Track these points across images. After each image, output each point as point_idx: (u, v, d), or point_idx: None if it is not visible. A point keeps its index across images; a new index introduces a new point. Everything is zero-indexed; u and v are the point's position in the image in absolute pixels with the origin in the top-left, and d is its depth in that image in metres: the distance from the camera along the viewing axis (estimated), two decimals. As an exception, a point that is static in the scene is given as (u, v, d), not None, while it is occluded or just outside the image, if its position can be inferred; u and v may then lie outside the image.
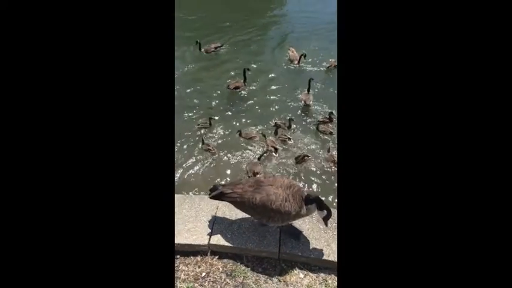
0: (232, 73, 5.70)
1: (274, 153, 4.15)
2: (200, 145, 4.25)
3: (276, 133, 4.41)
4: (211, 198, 2.53)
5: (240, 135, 4.28)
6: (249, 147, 4.30)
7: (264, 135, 4.31)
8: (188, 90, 5.20)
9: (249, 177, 3.78)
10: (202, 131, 4.45)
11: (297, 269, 2.49)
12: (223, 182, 3.74)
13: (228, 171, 3.97)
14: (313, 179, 3.84)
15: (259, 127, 4.58)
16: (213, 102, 5.01)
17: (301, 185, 3.54)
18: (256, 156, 4.11)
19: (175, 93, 5.06)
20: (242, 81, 5.19)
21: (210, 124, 4.49)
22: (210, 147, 4.17)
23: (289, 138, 4.34)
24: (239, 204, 2.45)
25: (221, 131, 4.50)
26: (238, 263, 2.55)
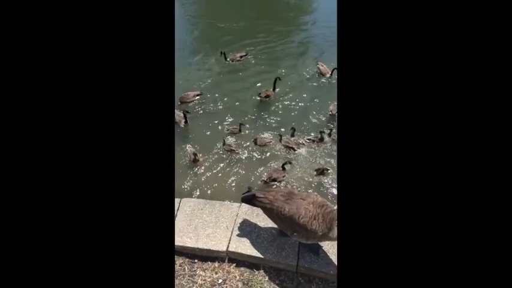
0: (256, 78, 5.74)
1: (294, 151, 4.25)
2: (222, 145, 4.30)
3: (292, 135, 4.47)
4: (242, 199, 2.54)
5: (256, 143, 4.30)
6: (274, 155, 4.31)
7: (281, 136, 4.36)
8: (216, 97, 5.26)
9: (265, 181, 3.84)
10: (230, 137, 4.51)
11: (314, 284, 2.46)
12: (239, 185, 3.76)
13: (252, 179, 3.98)
14: (328, 195, 3.78)
15: (281, 129, 4.60)
16: (242, 110, 5.04)
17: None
18: (278, 163, 4.12)
19: (204, 101, 5.13)
20: (272, 89, 5.22)
21: (240, 130, 4.52)
22: (233, 147, 4.22)
23: (303, 144, 4.37)
24: (268, 210, 2.44)
25: (248, 138, 4.53)
26: (255, 273, 2.54)
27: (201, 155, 4.18)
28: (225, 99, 5.25)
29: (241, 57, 6.07)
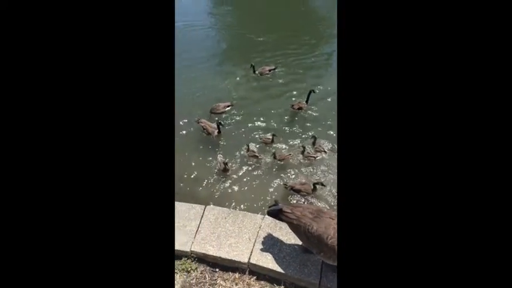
0: (286, 89, 5.76)
1: (315, 159, 4.35)
2: (246, 151, 4.36)
3: (313, 144, 4.48)
4: (268, 212, 2.53)
5: (275, 157, 4.31)
6: (303, 169, 4.27)
7: (304, 147, 4.36)
8: (247, 108, 5.33)
9: (286, 187, 3.84)
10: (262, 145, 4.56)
11: (336, 305, 2.38)
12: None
13: (278, 191, 3.96)
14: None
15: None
16: (273, 121, 5.08)
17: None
18: (300, 177, 4.08)
19: (234, 111, 5.20)
20: (305, 102, 5.22)
21: (273, 141, 4.56)
22: (256, 153, 4.29)
23: (324, 151, 4.38)
24: (294, 227, 2.40)
25: (279, 149, 4.55)
26: (276, 288, 2.51)
27: (232, 165, 4.24)
28: (256, 110, 5.28)
29: (269, 70, 6.11)
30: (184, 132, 4.84)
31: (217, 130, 4.67)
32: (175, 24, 7.93)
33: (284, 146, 4.59)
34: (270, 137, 4.57)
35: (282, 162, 4.29)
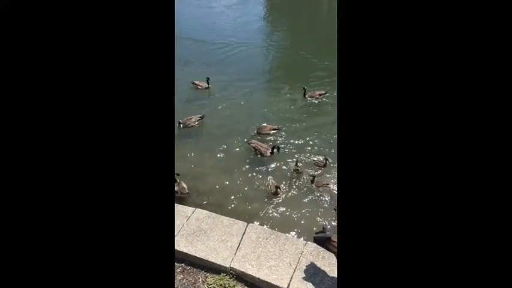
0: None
1: None
2: (295, 165, 4.37)
3: None
4: (314, 239, 2.45)
5: (312, 182, 4.20)
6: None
7: None
8: (297, 131, 5.31)
9: (336, 210, 3.69)
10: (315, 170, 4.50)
11: None
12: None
13: (325, 218, 3.83)
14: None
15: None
16: (324, 146, 4.99)
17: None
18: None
19: (282, 136, 5.19)
20: None
21: (325, 165, 4.48)
22: (298, 168, 4.32)
23: None
24: None
25: (330, 174, 4.46)
26: (314, 321, 2.39)
27: (283, 188, 4.23)
28: (308, 133, 5.20)
29: (320, 95, 6.05)
30: (227, 147, 4.96)
31: (269, 150, 4.70)
32: (229, 40, 8.29)
33: (330, 175, 4.44)
34: (324, 161, 4.49)
35: (320, 189, 4.17)
